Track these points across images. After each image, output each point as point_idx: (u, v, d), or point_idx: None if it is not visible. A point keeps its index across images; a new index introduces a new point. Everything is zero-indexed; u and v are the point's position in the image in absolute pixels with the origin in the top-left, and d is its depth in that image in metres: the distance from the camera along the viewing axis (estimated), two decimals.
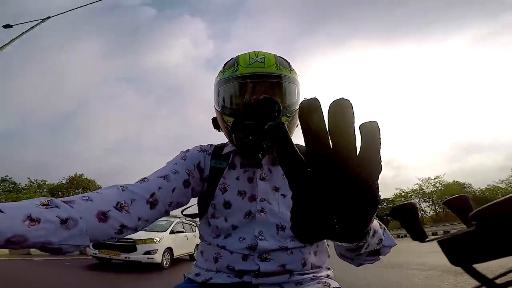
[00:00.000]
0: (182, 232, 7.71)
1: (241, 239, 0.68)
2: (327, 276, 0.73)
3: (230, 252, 0.68)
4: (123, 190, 0.59)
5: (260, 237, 0.68)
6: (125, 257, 5.77)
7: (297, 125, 0.76)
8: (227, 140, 0.81)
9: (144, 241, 5.95)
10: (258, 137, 0.64)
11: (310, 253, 0.72)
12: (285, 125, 0.50)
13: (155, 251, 6.08)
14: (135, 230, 0.60)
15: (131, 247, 5.81)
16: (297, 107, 0.73)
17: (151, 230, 6.38)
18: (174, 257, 6.91)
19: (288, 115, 0.70)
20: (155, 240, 6.18)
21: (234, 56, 0.76)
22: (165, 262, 6.41)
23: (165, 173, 0.69)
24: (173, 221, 7.46)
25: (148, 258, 5.93)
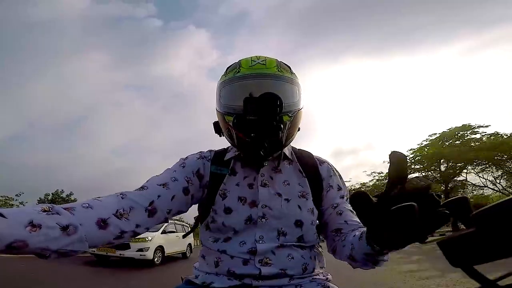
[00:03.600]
0: (173, 232, 8.44)
1: (241, 243, 0.68)
2: (326, 279, 0.73)
3: (231, 256, 0.68)
4: (122, 198, 0.60)
5: (260, 241, 0.68)
6: (120, 254, 6.51)
7: (299, 129, 0.77)
8: (228, 145, 0.81)
9: (137, 239, 6.66)
10: (260, 133, 0.63)
11: (311, 258, 0.72)
12: (287, 124, 0.67)
13: (147, 249, 6.81)
14: (134, 236, 0.61)
15: (125, 245, 6.53)
16: (299, 107, 0.72)
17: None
18: (165, 254, 7.65)
19: (290, 115, 0.69)
20: (147, 239, 6.92)
21: (237, 61, 0.75)
22: (156, 259, 7.14)
23: (164, 180, 0.68)
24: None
25: (140, 255, 6.67)
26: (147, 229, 0.64)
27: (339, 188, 0.78)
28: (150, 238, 7.01)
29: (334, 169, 0.81)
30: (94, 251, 6.59)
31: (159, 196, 0.64)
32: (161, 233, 7.67)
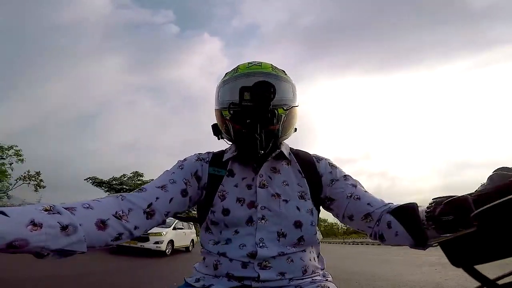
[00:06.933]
0: (181, 228, 9.82)
1: (241, 246, 0.68)
2: (326, 280, 0.73)
3: (230, 259, 0.68)
4: (122, 200, 0.61)
5: (260, 244, 0.68)
6: (141, 245, 7.85)
7: (296, 130, 0.81)
8: (227, 147, 0.83)
9: (154, 234, 8.05)
10: (255, 119, 0.65)
11: (310, 260, 0.73)
12: (282, 117, 0.68)
13: (161, 242, 8.17)
14: (132, 237, 0.62)
15: (145, 238, 7.92)
16: (294, 104, 0.75)
17: (159, 226, 8.41)
18: (174, 247, 9.03)
19: (285, 108, 0.72)
20: (162, 234, 8.26)
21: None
22: (167, 251, 8.50)
23: (162, 183, 0.70)
24: (175, 220, 9.50)
25: (156, 247, 8.03)
26: (145, 231, 0.65)
27: (346, 178, 0.77)
28: (164, 233, 8.37)
29: (333, 164, 0.81)
30: None
31: (157, 198, 0.66)
32: (172, 229, 9.06)
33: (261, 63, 0.77)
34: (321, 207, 0.80)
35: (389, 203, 0.71)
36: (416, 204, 0.62)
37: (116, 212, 0.58)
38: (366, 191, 0.75)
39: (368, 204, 0.72)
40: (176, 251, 9.40)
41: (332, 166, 0.80)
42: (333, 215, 0.78)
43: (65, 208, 0.51)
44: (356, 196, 0.73)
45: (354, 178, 0.79)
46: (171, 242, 8.79)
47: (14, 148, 16.13)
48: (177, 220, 9.61)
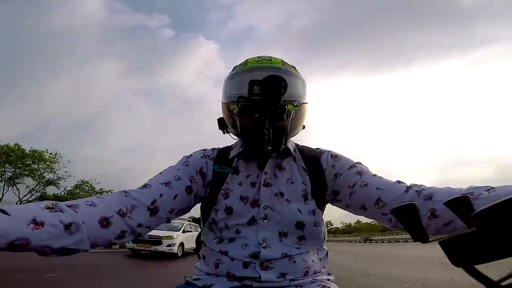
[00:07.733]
0: (190, 231, 10.26)
1: (243, 246, 0.68)
2: (328, 279, 0.72)
3: (231, 259, 0.68)
4: (125, 196, 0.60)
5: (263, 245, 0.67)
6: (155, 249, 8.29)
7: (304, 127, 0.78)
8: (232, 143, 0.82)
9: (167, 237, 8.50)
10: (264, 114, 0.63)
11: (313, 260, 0.71)
12: (292, 113, 0.67)
13: (173, 245, 8.61)
14: (136, 236, 0.61)
15: (158, 241, 8.36)
16: (304, 101, 0.74)
17: (170, 229, 8.97)
18: (184, 249, 9.46)
19: (295, 104, 0.70)
20: (174, 237, 8.73)
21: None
22: (179, 253, 8.93)
23: (167, 179, 0.69)
24: (184, 223, 10.06)
25: (169, 250, 8.45)
26: (149, 229, 0.64)
27: (351, 168, 0.73)
28: (175, 236, 8.83)
29: (335, 156, 0.78)
30: (134, 246, 8.36)
31: (161, 195, 0.65)
32: (182, 232, 9.49)
33: (271, 57, 0.76)
34: (328, 204, 0.79)
35: (404, 186, 0.65)
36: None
37: (119, 209, 0.58)
38: (375, 175, 0.72)
39: (377, 188, 0.67)
40: (186, 253, 9.89)
41: (334, 158, 0.77)
42: (343, 208, 0.75)
43: (68, 206, 0.51)
44: (362, 183, 0.70)
45: (363, 165, 0.75)
46: (181, 244, 9.20)
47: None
48: (185, 223, 10.14)
